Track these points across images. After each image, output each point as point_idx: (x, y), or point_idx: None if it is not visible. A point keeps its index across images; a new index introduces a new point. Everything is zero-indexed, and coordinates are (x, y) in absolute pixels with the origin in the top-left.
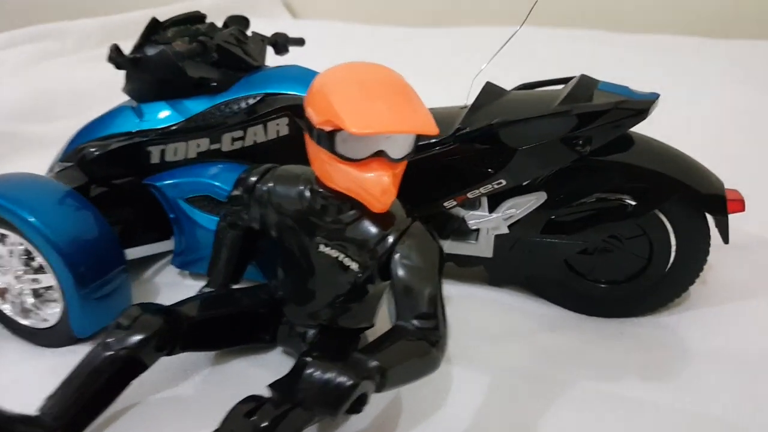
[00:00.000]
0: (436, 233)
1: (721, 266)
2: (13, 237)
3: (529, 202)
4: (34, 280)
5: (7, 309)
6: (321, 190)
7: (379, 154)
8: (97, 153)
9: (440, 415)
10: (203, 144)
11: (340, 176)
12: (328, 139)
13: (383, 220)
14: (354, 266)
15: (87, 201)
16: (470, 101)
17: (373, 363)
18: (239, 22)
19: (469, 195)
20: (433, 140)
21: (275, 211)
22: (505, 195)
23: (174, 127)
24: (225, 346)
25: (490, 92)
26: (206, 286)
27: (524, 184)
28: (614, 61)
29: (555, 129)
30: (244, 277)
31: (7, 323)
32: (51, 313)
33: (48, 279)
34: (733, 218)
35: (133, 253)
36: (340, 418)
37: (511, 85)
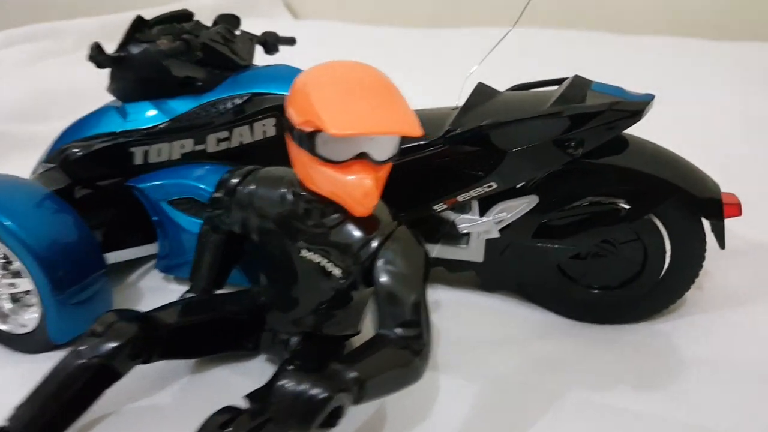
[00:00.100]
0: (424, 238)
1: (717, 272)
2: None
3: (521, 206)
4: (12, 285)
5: None
6: (304, 192)
7: (362, 156)
8: (79, 154)
9: (425, 427)
10: (187, 145)
11: (321, 179)
12: (309, 140)
13: (367, 224)
14: (337, 272)
15: (66, 204)
16: (462, 102)
17: (351, 374)
18: (229, 20)
19: (460, 198)
20: (423, 142)
21: (257, 214)
22: (496, 198)
23: (158, 128)
24: (206, 353)
25: (482, 93)
26: (189, 291)
27: (516, 187)
28: (611, 63)
29: (547, 131)
30: (229, 281)
31: None
32: (29, 319)
33: (25, 283)
34: (729, 223)
35: (116, 256)
36: None
37: (507, 87)
